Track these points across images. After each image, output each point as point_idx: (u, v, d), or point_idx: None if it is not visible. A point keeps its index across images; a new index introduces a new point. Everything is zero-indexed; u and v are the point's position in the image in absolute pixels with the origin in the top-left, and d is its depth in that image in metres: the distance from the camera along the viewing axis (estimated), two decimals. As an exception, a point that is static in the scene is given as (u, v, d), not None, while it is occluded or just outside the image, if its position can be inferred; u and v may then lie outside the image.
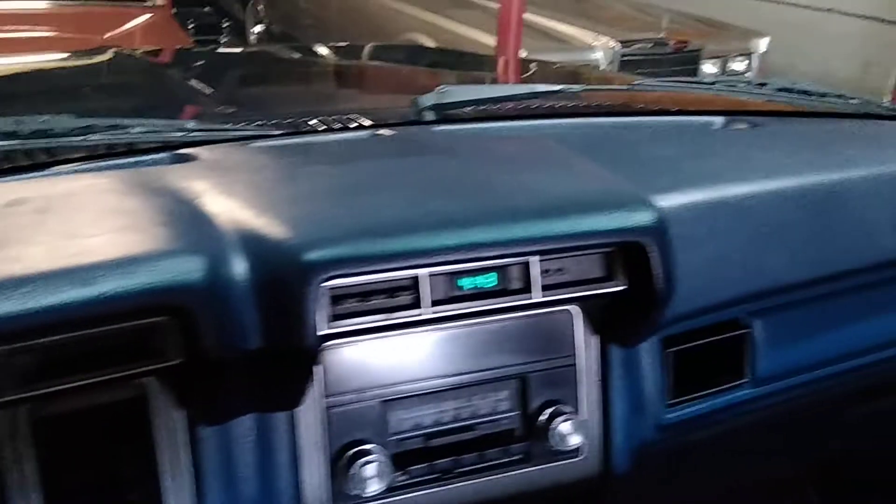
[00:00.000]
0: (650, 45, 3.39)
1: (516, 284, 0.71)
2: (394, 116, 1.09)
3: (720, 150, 0.95)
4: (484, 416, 0.75)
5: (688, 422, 0.86)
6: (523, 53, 3.08)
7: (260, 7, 5.08)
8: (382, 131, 0.93)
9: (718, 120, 1.05)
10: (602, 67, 3.30)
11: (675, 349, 0.84)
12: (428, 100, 1.03)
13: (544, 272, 0.71)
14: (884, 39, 3.96)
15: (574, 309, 0.77)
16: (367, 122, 0.97)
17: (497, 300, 0.70)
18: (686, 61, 3.47)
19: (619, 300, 0.75)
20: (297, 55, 1.95)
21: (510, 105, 1.08)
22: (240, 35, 5.24)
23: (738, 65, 3.61)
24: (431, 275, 0.66)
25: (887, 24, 3.97)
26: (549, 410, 0.76)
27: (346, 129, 0.95)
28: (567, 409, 0.76)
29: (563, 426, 0.75)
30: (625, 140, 0.95)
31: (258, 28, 5.06)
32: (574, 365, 0.78)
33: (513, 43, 2.81)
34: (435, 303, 0.67)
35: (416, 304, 0.67)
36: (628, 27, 3.58)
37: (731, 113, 1.07)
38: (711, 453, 0.94)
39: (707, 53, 3.50)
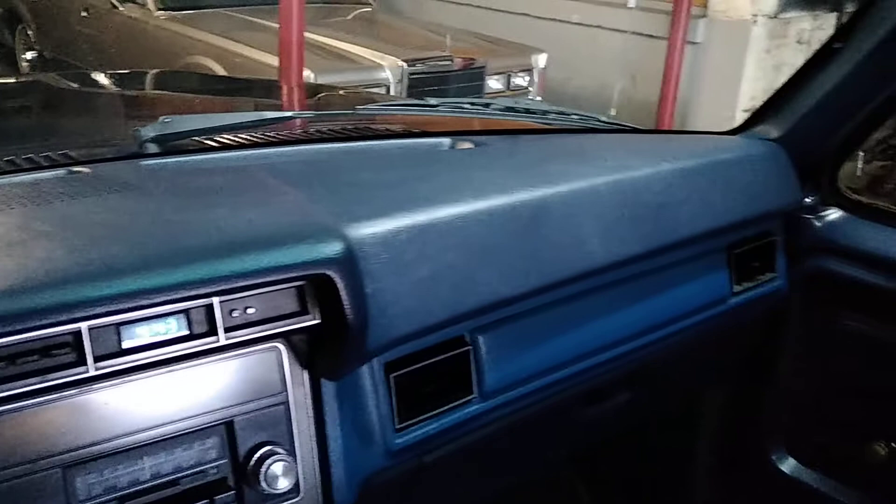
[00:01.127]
0: (437, 63, 3.48)
1: (201, 328, 0.67)
2: (111, 150, 1.03)
3: (439, 172, 0.96)
4: (190, 468, 0.71)
5: (420, 444, 0.86)
6: (311, 75, 3.07)
7: (30, 32, 4.75)
8: (80, 168, 0.87)
9: (446, 141, 1.07)
10: (391, 86, 3.35)
11: (399, 373, 0.83)
12: (148, 131, 0.98)
13: (231, 312, 0.68)
14: (648, 53, 4.27)
15: (281, 346, 0.74)
16: (64, 159, 0.90)
17: (182, 346, 0.67)
18: (472, 78, 3.59)
19: (321, 333, 0.73)
20: (66, 84, 1.82)
21: (242, 133, 1.05)
22: (11, 63, 4.88)
23: (520, 80, 3.78)
24: (93, 328, 0.61)
25: (650, 38, 4.29)
26: (259, 453, 0.73)
27: (38, 167, 0.88)
28: (280, 450, 0.74)
29: (275, 468, 0.73)
30: (341, 167, 0.95)
31: (30, 55, 4.72)
32: (285, 403, 0.75)
33: (295, 64, 2.78)
34: (100, 358, 0.62)
35: (80, 362, 0.62)
36: (415, 46, 3.66)
37: (459, 133, 1.09)
38: (449, 470, 0.95)
39: (491, 70, 3.64)
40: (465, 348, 0.88)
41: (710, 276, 1.11)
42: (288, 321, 0.71)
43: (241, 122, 1.05)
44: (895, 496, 1.19)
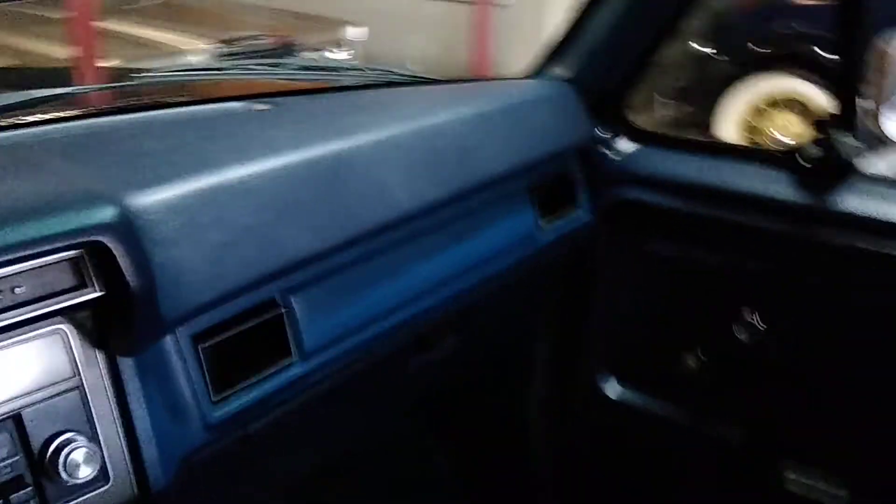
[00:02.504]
0: (248, 44, 3.39)
1: None
2: None
3: (231, 134, 0.93)
4: None
5: (241, 415, 0.83)
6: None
7: None
8: None
9: (238, 105, 1.03)
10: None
11: (208, 343, 0.80)
12: None
13: None
14: (466, 19, 4.36)
15: (65, 326, 0.70)
16: None
17: None
18: (286, 55, 3.53)
19: (109, 308, 0.69)
20: None
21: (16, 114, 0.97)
22: None
23: (337, 55, 3.75)
24: None
25: (469, 5, 4.40)
26: (55, 444, 0.68)
27: None
28: (79, 437, 0.69)
29: (75, 456, 0.68)
30: (122, 138, 0.90)
31: None
32: (79, 387, 0.71)
33: (85, 53, 2.63)
34: None
35: None
36: (224, 28, 3.54)
37: (252, 97, 1.06)
38: (278, 439, 0.93)
39: (304, 47, 3.58)
40: (279, 310, 0.86)
41: (516, 215, 1.14)
42: (64, 297, 0.66)
43: (13, 103, 0.97)
44: (707, 403, 1.28)
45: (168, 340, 0.77)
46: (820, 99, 3.50)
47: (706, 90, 3.98)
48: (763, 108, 3.85)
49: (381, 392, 1.07)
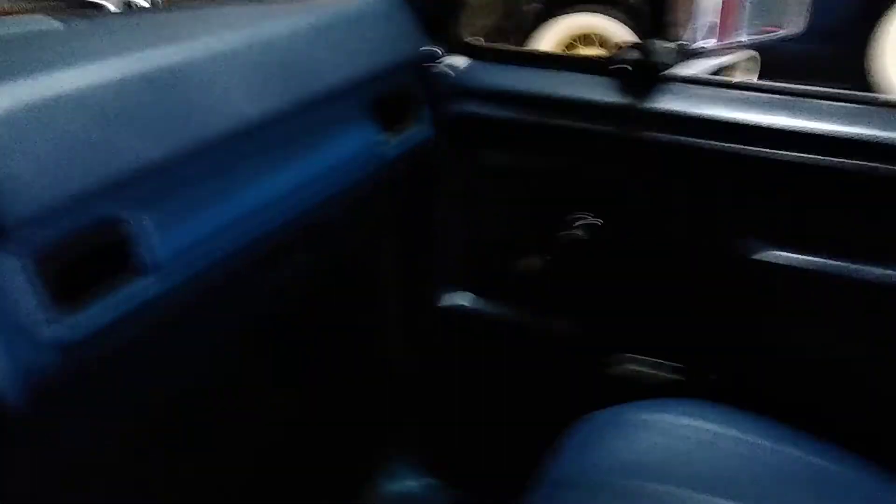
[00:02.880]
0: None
1: None
2: None
3: (53, 46, 0.88)
4: None
5: (87, 339, 0.80)
6: None
7: None
8: None
9: (56, 22, 0.97)
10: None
11: (50, 260, 0.76)
12: None
13: None
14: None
15: None
16: None
17: None
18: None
19: None
20: None
21: None
22: None
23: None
24: None
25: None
26: None
27: None
28: None
29: None
30: None
31: None
32: None
33: None
34: None
35: None
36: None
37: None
38: (130, 362, 0.90)
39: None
40: (125, 226, 0.83)
41: (360, 131, 1.15)
42: None
43: None
44: (549, 302, 1.36)
45: (4, 257, 0.72)
46: (621, 32, 3.73)
47: (517, 28, 4.13)
48: (572, 44, 4.04)
49: (233, 312, 1.06)
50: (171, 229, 0.87)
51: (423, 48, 1.25)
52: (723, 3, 3.03)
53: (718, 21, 3.15)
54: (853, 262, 1.12)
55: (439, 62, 1.29)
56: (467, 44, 1.31)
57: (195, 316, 0.96)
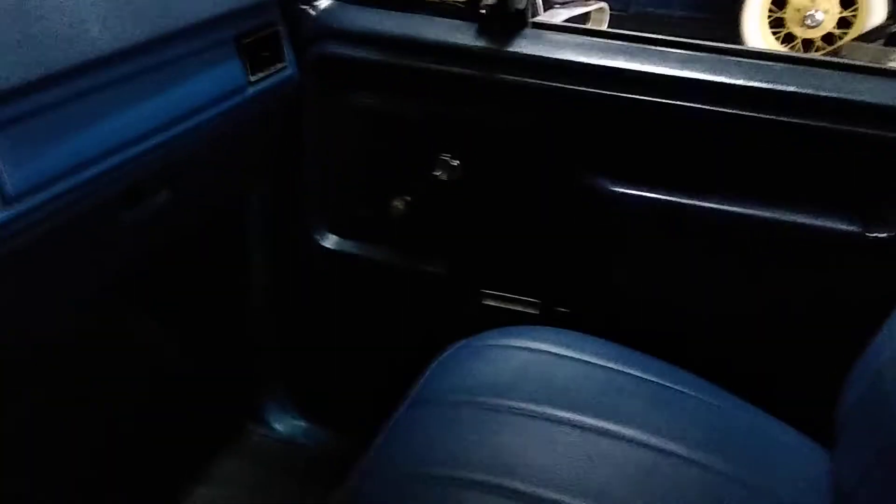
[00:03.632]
0: None
1: None
2: None
3: None
4: None
5: None
6: None
7: None
8: None
9: None
10: None
11: None
12: None
13: None
14: None
15: None
16: None
17: None
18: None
19: None
20: None
21: None
22: None
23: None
24: None
25: None
26: None
27: None
28: None
29: None
30: None
31: None
32: None
33: None
34: None
35: None
36: None
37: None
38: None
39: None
40: None
41: (223, 67, 1.15)
42: None
43: None
44: (416, 242, 1.41)
45: None
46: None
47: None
48: None
49: (91, 247, 1.05)
50: (26, 157, 0.86)
51: None
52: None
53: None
54: (694, 199, 1.22)
55: (305, 4, 1.30)
56: (332, -16, 1.32)
57: (48, 250, 0.95)
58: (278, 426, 1.63)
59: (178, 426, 1.53)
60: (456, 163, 1.32)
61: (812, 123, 1.13)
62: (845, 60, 1.18)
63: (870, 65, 1.16)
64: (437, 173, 1.32)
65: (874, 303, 1.02)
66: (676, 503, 0.89)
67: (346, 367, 1.57)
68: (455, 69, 1.26)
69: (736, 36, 4.51)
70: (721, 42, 1.24)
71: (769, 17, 4.47)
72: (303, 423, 1.64)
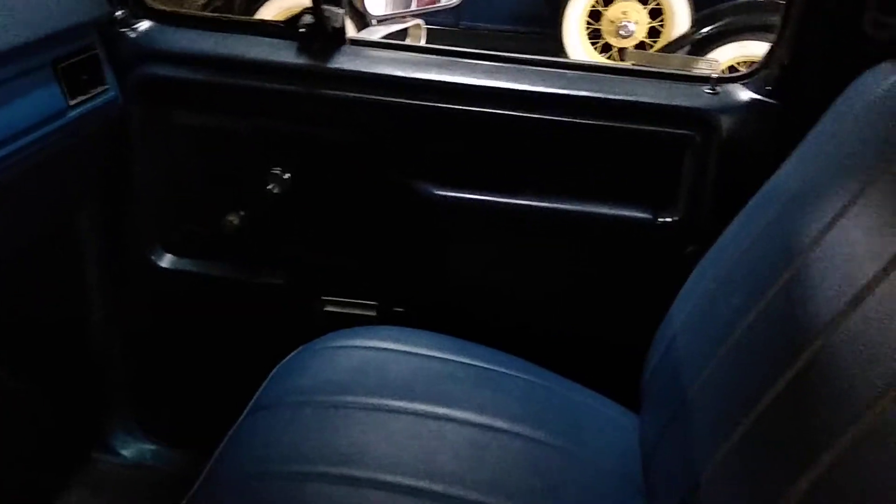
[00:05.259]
0: None
1: None
2: None
3: None
4: None
5: None
6: None
7: None
8: None
9: None
10: None
11: None
12: None
13: None
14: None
15: None
16: None
17: None
18: None
19: None
20: None
21: None
22: None
23: None
24: None
25: None
26: None
27: None
28: None
29: None
30: None
31: None
32: None
33: None
34: None
35: None
36: None
37: None
38: None
39: None
40: None
41: (41, 92, 1.15)
42: None
43: None
44: (253, 256, 1.44)
45: None
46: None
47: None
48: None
49: None
50: None
51: (106, 9, 1.27)
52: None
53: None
54: (507, 197, 1.32)
55: (123, 25, 1.31)
56: (150, 7, 1.34)
57: None
58: (125, 452, 1.61)
59: (20, 459, 1.49)
60: (287, 176, 1.36)
61: (605, 124, 1.26)
62: (631, 66, 1.32)
63: (651, 69, 1.31)
64: (269, 187, 1.36)
65: (668, 277, 1.15)
66: (503, 473, 0.97)
67: (192, 385, 1.57)
68: (277, 86, 1.31)
69: (559, 48, 4.78)
70: (544, 54, 1.36)
71: (587, 29, 4.77)
72: (150, 446, 1.62)
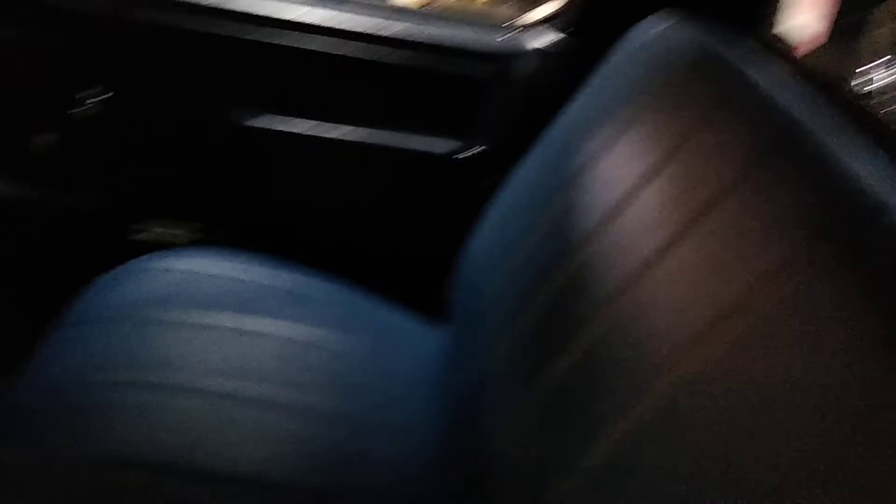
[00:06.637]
0: None
1: None
2: None
3: None
4: None
5: None
6: None
7: None
8: None
9: None
10: None
11: None
12: None
13: None
14: None
15: None
16: None
17: None
18: None
19: None
20: None
21: None
22: None
23: None
24: None
25: None
26: None
27: None
28: None
29: None
30: None
31: None
32: None
33: None
34: None
35: None
36: None
37: None
38: None
39: None
40: None
41: None
42: None
43: None
44: (71, 178, 1.42)
45: None
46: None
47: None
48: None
49: None
50: None
51: None
52: None
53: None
54: (320, 130, 1.38)
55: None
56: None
57: None
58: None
59: None
60: (102, 97, 1.35)
61: (412, 64, 1.34)
62: (438, 11, 1.41)
63: (455, 15, 1.40)
64: (85, 107, 1.34)
65: (470, 205, 1.25)
66: (311, 379, 1.05)
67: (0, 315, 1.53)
68: (97, 8, 1.28)
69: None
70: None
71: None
72: None
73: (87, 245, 1.45)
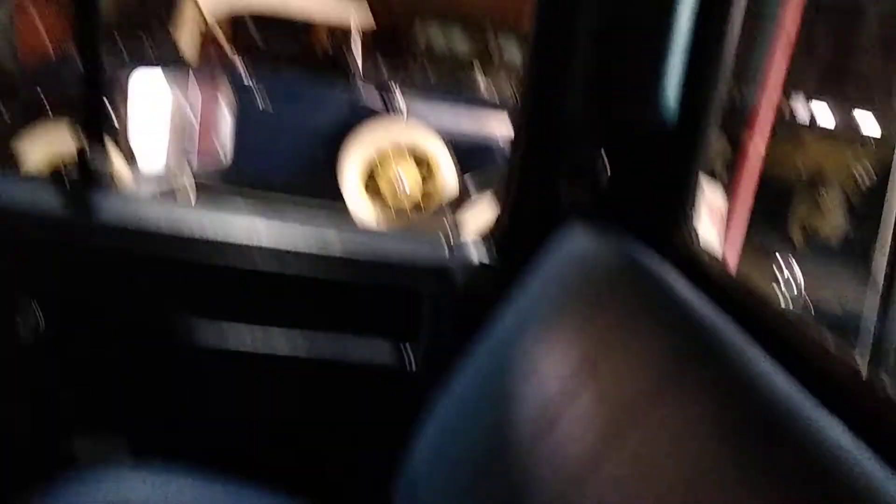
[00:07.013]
0: None
1: None
2: None
3: None
4: None
5: None
6: None
7: None
8: None
9: None
10: None
11: None
12: None
13: None
14: None
15: None
16: None
17: None
18: None
19: None
20: None
21: None
22: None
23: None
24: None
25: None
26: None
27: None
28: None
29: None
30: None
31: None
32: None
33: None
34: None
35: None
36: None
37: None
38: None
39: None
40: None
41: None
42: None
43: None
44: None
45: None
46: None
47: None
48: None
49: None
50: None
51: None
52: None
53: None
54: (262, 346, 1.40)
55: None
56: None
57: None
58: None
59: None
60: (39, 315, 1.35)
61: (353, 281, 1.39)
62: (380, 228, 1.48)
63: (397, 230, 1.47)
64: (25, 330, 1.34)
65: (411, 413, 1.25)
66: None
67: None
68: (43, 235, 1.32)
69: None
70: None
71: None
72: None
73: (19, 454, 1.41)
